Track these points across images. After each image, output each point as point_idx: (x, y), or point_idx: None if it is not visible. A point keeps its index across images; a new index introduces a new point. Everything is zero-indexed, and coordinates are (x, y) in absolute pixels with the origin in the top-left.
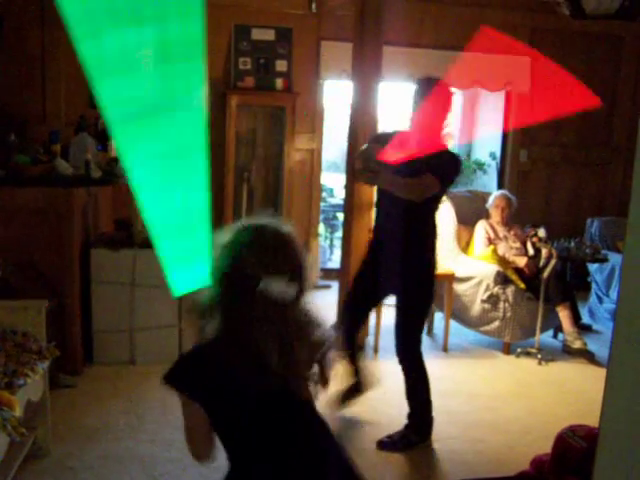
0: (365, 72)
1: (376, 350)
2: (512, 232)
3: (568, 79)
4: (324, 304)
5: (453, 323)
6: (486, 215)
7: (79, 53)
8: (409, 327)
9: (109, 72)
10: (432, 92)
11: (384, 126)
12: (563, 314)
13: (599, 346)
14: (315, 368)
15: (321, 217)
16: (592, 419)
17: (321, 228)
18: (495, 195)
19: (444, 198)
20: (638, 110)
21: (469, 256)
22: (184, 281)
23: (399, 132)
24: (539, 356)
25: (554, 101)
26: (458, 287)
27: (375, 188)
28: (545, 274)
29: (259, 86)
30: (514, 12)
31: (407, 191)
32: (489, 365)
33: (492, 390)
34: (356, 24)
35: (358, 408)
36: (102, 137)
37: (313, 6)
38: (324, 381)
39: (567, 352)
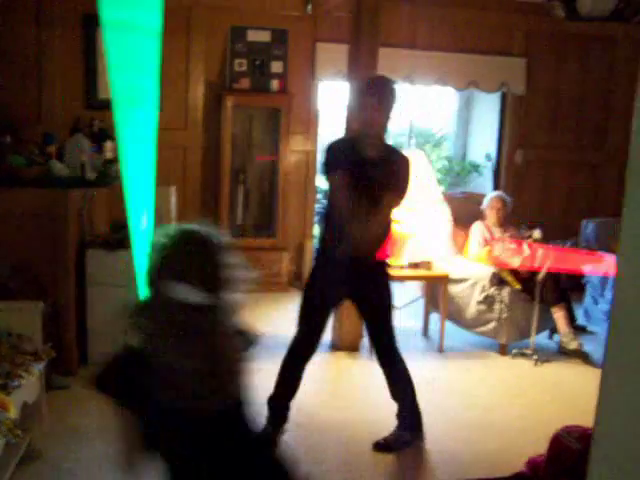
0: (361, 73)
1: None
2: (507, 233)
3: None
4: None
5: (449, 324)
6: (481, 216)
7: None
8: (391, 326)
9: None
10: (376, 89)
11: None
12: (558, 315)
13: (594, 347)
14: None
15: (316, 219)
16: (588, 420)
17: (316, 230)
18: (490, 196)
19: (440, 199)
20: (632, 111)
21: (464, 257)
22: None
23: (349, 136)
24: (535, 357)
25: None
26: (453, 288)
27: (329, 200)
28: (540, 275)
29: (255, 87)
30: (509, 14)
31: (375, 229)
32: (485, 366)
33: (488, 391)
34: (352, 25)
35: (358, 408)
36: (97, 138)
37: (309, 7)
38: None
39: (563, 353)
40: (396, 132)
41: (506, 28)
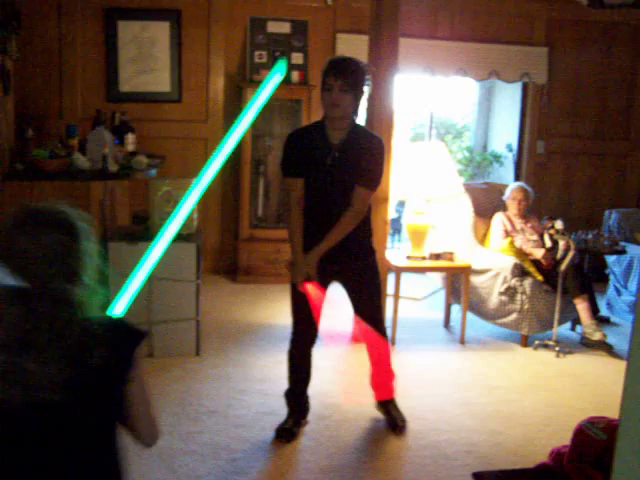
0: (382, 64)
1: (393, 342)
2: (529, 224)
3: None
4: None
5: (470, 316)
6: (503, 207)
7: None
8: (380, 309)
9: None
10: (340, 70)
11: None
12: (581, 306)
13: (618, 338)
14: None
15: None
16: (611, 411)
17: None
18: (512, 187)
19: (461, 190)
20: None
21: (486, 248)
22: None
23: (314, 122)
24: (557, 348)
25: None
26: (475, 279)
27: (305, 190)
28: (563, 266)
29: None
30: (530, 2)
31: (344, 233)
32: (507, 358)
33: (510, 382)
34: (372, 16)
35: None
36: (119, 131)
37: None
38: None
39: (585, 344)
40: (416, 123)
41: (527, 17)
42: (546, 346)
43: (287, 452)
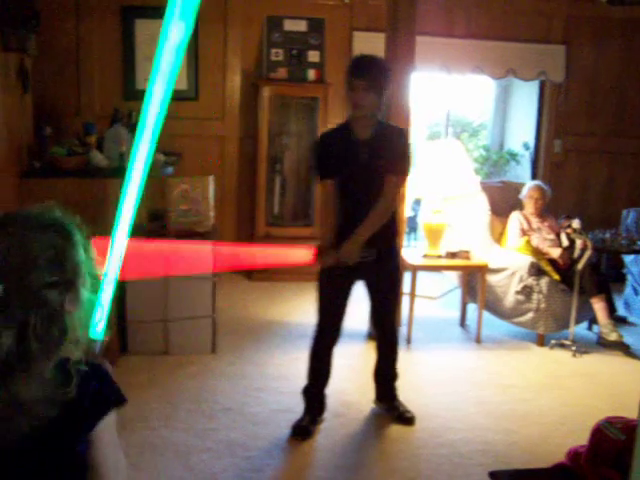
0: (398, 62)
1: (409, 341)
2: (546, 223)
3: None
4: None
5: (486, 314)
6: (520, 206)
7: None
8: (395, 307)
9: None
10: (364, 69)
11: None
12: (598, 306)
13: (635, 338)
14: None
15: None
16: (627, 412)
17: None
18: (529, 186)
19: (477, 188)
20: None
21: (502, 247)
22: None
23: (341, 123)
24: (573, 348)
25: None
26: (491, 278)
27: (339, 188)
28: (580, 265)
29: (291, 77)
30: (547, 0)
31: (381, 220)
32: (522, 357)
33: (525, 381)
34: (389, 14)
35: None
36: (136, 129)
37: None
38: None
39: (602, 344)
40: (433, 121)
41: (544, 14)
42: (562, 346)
43: (303, 450)
